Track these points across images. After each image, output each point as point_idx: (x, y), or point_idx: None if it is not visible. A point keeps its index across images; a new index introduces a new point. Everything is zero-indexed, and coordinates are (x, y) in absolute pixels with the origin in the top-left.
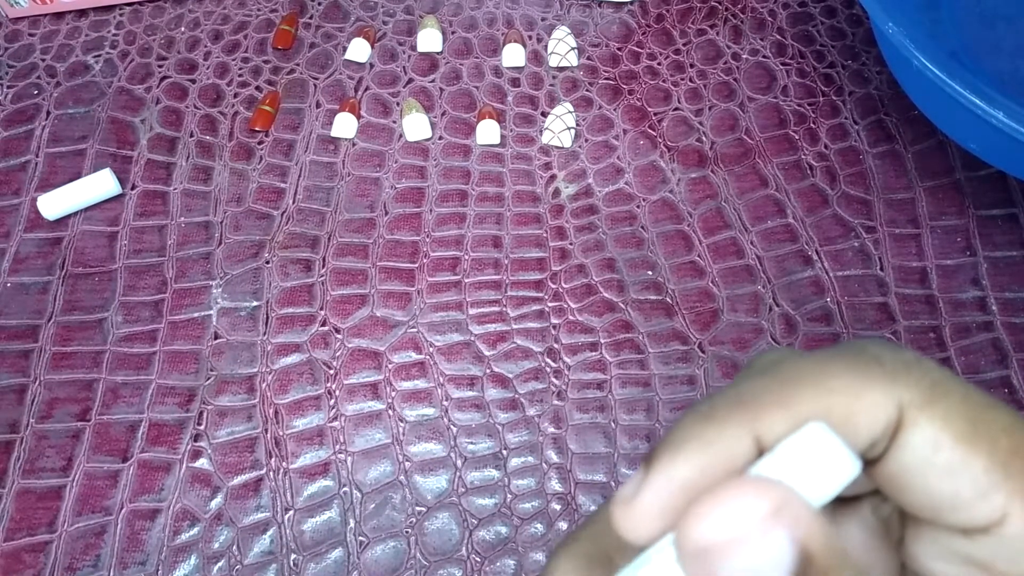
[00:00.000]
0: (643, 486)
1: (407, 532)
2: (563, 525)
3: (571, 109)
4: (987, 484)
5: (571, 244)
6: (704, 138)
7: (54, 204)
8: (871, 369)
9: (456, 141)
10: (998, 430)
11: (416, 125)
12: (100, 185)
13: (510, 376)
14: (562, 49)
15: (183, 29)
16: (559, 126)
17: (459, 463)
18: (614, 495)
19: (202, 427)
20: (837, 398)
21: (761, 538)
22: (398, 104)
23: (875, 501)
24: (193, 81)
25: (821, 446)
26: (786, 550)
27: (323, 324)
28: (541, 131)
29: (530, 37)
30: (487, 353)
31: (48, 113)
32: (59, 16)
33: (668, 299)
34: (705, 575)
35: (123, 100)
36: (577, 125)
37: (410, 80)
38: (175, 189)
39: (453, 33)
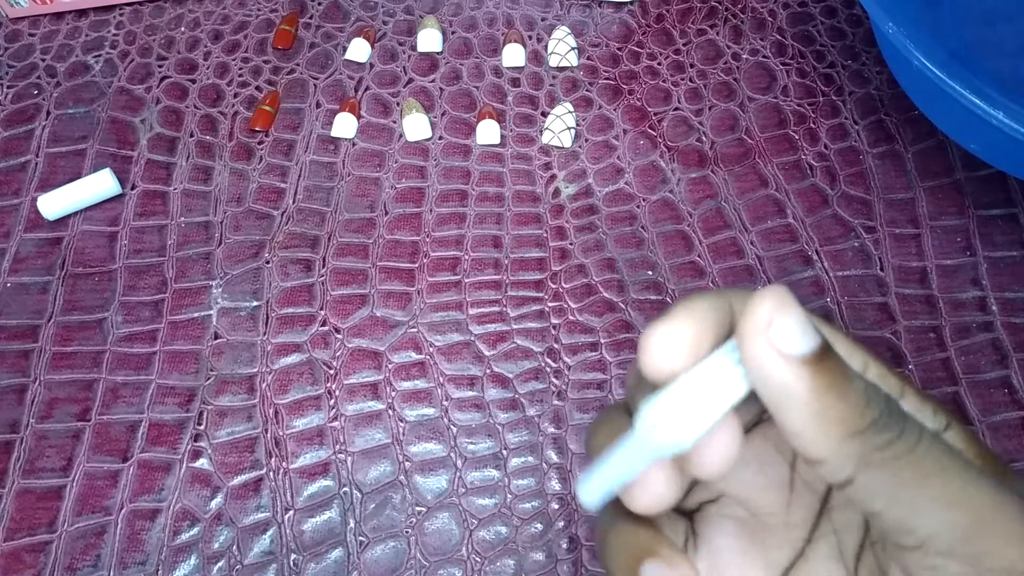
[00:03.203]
0: (670, 322)
1: (407, 532)
2: (563, 525)
3: (571, 109)
4: (848, 348)
5: (571, 244)
6: (704, 138)
7: (54, 204)
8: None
9: (456, 141)
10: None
11: (416, 125)
12: (100, 185)
13: (510, 376)
14: (562, 49)
15: (183, 29)
16: (559, 126)
17: (459, 463)
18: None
19: (202, 427)
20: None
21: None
22: (398, 104)
23: (763, 428)
24: (193, 81)
25: (727, 368)
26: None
27: (323, 324)
28: (541, 131)
29: (530, 37)
30: (487, 353)
31: (48, 113)
32: (59, 16)
33: (668, 299)
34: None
35: (123, 100)
36: (577, 125)
37: (410, 80)
38: (175, 189)
39: (453, 33)
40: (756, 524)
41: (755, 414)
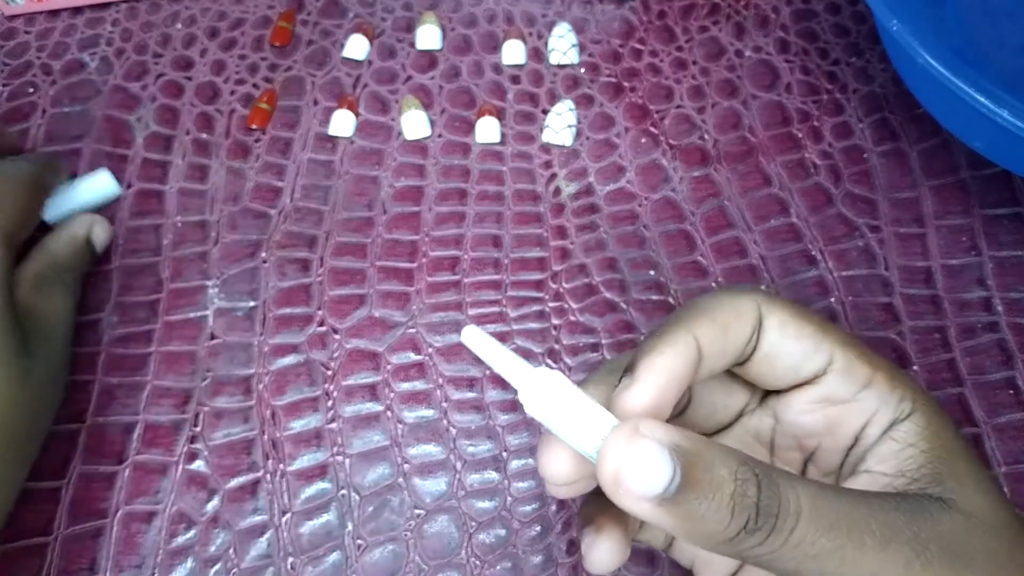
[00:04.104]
0: (642, 378)
1: (406, 535)
2: (562, 528)
3: (572, 107)
4: (816, 341)
5: (572, 243)
6: (706, 136)
7: (52, 207)
8: (735, 291)
9: (455, 139)
10: (816, 317)
11: (415, 123)
12: (100, 188)
13: None
14: (563, 46)
15: (179, 26)
16: (560, 124)
17: (459, 465)
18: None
19: (198, 429)
20: (728, 310)
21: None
22: (397, 102)
23: (744, 421)
24: (189, 79)
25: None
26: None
27: (321, 324)
28: (541, 129)
29: (530, 34)
30: None
31: (43, 111)
32: (54, 14)
33: (671, 299)
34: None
35: (119, 98)
36: (578, 123)
37: (409, 77)
38: (171, 188)
39: (452, 30)
40: None
41: (736, 411)
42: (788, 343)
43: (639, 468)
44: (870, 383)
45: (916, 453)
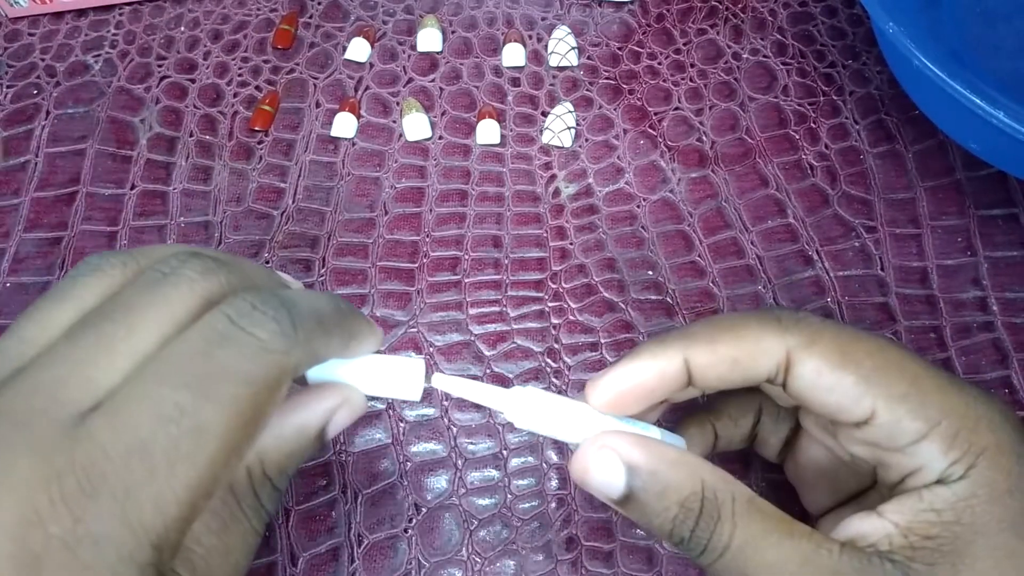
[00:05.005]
0: (609, 374)
1: (407, 533)
2: (562, 525)
3: (571, 109)
4: (856, 395)
5: (571, 244)
6: (704, 138)
7: (319, 371)
8: (770, 324)
9: (456, 141)
10: (862, 355)
11: (416, 125)
12: (403, 382)
13: (510, 376)
14: (562, 49)
15: (183, 29)
16: (559, 126)
17: (459, 463)
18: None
19: None
20: (744, 344)
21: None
22: (398, 104)
23: (729, 416)
24: (193, 81)
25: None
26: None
27: None
28: (541, 131)
29: (530, 37)
30: (487, 353)
31: (48, 113)
32: (58, 16)
33: (669, 299)
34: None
35: (122, 100)
36: (577, 125)
37: (410, 80)
38: (175, 189)
39: (453, 33)
40: None
41: (749, 427)
42: (820, 393)
43: (599, 475)
44: (923, 438)
45: (935, 522)
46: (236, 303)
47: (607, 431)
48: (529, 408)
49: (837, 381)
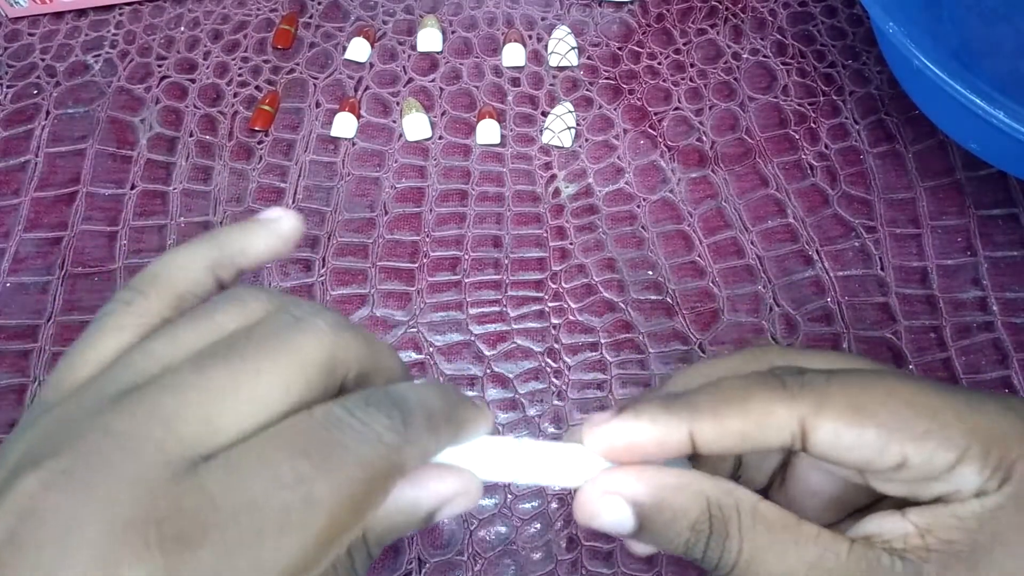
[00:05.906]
0: (608, 426)
1: (407, 532)
2: (562, 525)
3: (571, 109)
4: (880, 446)
5: (571, 244)
6: (704, 138)
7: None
8: (776, 393)
9: (456, 141)
10: (877, 406)
11: (416, 125)
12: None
13: (510, 376)
14: (562, 49)
15: (183, 29)
16: (559, 126)
17: None
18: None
19: None
20: (752, 417)
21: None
22: (398, 104)
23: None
24: (193, 81)
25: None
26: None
27: None
28: (541, 131)
29: (530, 37)
30: (487, 353)
31: (48, 113)
32: (59, 16)
33: (668, 299)
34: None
35: (123, 100)
36: (577, 125)
37: (410, 80)
38: (175, 189)
39: (453, 33)
40: None
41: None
42: (844, 453)
43: (607, 517)
44: (956, 464)
45: (956, 527)
46: (351, 397)
47: (606, 469)
48: (510, 461)
49: (857, 438)
